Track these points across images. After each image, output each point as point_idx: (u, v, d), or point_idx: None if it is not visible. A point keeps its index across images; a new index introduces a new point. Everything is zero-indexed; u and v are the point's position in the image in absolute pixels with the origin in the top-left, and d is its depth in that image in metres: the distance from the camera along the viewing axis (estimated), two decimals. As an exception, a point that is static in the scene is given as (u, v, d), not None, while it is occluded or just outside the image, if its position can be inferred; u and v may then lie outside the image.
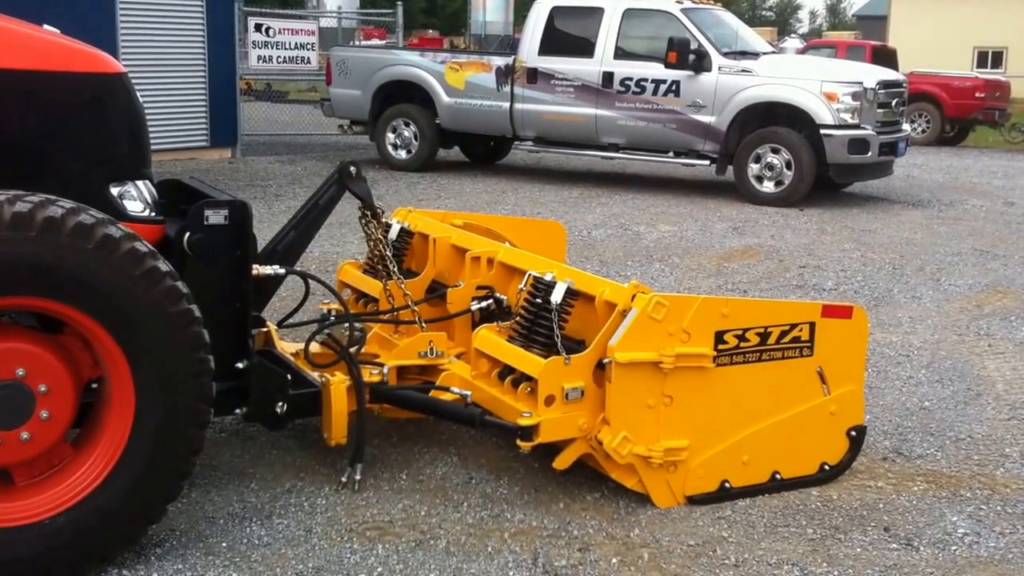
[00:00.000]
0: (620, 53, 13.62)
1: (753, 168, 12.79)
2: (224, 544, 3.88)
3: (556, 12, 14.30)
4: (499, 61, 14.71)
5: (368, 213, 4.96)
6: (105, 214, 3.39)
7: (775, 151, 12.63)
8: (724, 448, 4.35)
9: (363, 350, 4.63)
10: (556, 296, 4.31)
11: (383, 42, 25.63)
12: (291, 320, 5.02)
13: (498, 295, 4.87)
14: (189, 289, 3.51)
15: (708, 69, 12.96)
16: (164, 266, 3.43)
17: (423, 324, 4.86)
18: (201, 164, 14.98)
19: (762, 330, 4.32)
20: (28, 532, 3.38)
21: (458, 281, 5.09)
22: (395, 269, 4.98)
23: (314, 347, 4.57)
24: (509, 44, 24.75)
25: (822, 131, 12.37)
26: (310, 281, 4.63)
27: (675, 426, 4.24)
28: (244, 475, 4.48)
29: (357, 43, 22.23)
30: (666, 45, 13.02)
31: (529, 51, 14.30)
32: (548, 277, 4.45)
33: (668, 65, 13.05)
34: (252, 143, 16.95)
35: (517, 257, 4.98)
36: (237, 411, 4.16)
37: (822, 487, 4.53)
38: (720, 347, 4.24)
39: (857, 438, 4.62)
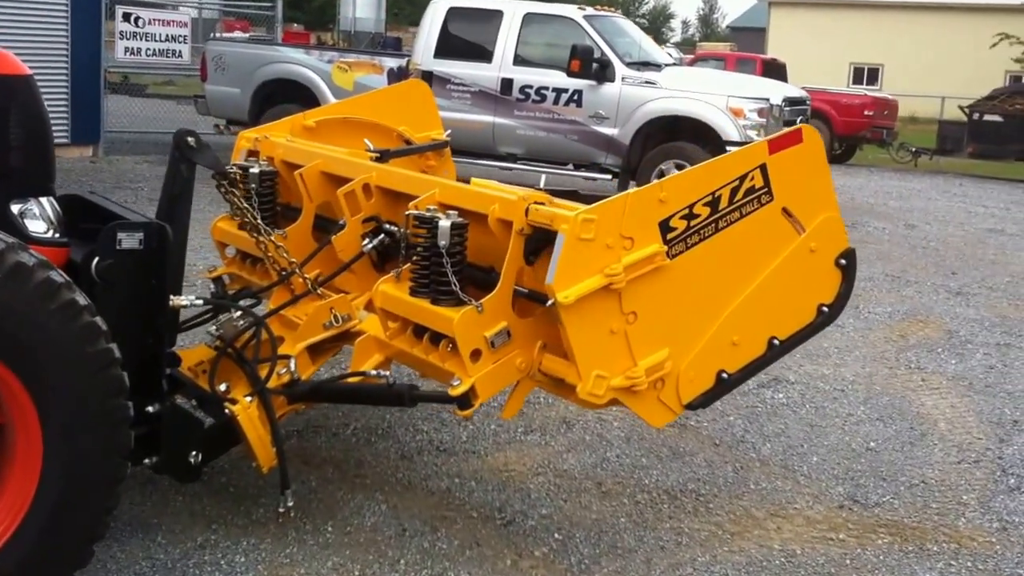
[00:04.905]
0: (520, 59, 13.20)
1: (655, 183, 12.54)
2: (131, 614, 3.39)
3: (453, 13, 13.79)
4: (391, 63, 14.16)
5: (225, 183, 4.32)
6: (15, 238, 2.90)
7: (679, 166, 12.29)
8: (708, 339, 3.77)
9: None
10: (443, 239, 3.70)
11: (247, 35, 24.44)
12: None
13: (388, 226, 4.23)
14: (101, 324, 3.01)
15: (611, 79, 12.64)
16: (82, 299, 2.97)
17: (316, 288, 4.24)
18: (62, 163, 13.88)
19: (710, 197, 3.68)
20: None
21: (340, 219, 4.43)
22: (272, 238, 4.33)
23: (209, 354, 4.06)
24: (380, 42, 24.14)
25: (727, 147, 12.16)
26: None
27: (648, 340, 3.65)
28: (149, 526, 4.00)
29: (219, 35, 21.15)
30: (568, 53, 12.67)
31: (424, 53, 13.78)
32: (429, 213, 3.82)
33: (570, 74, 12.67)
34: (115, 140, 15.82)
35: (394, 179, 4.36)
36: (145, 461, 3.66)
37: (784, 542, 4.23)
38: (670, 236, 3.61)
39: (848, 266, 4.00)
